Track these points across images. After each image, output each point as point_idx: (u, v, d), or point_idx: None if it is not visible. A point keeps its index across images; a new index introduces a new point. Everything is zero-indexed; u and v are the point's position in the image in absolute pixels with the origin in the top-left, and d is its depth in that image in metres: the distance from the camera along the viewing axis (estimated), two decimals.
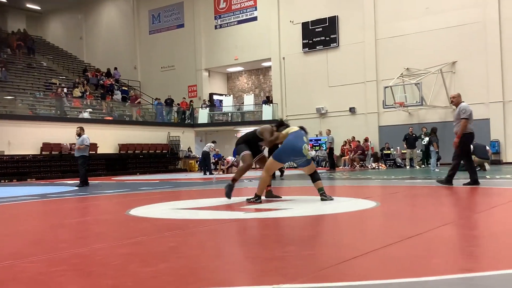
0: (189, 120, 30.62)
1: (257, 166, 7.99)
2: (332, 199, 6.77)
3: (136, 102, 29.73)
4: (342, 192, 9.12)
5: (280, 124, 7.47)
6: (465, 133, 8.84)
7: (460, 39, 23.07)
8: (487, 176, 12.23)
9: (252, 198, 7.00)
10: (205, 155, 21.46)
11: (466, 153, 9.08)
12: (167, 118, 30.37)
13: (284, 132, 7.11)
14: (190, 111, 30.76)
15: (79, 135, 14.02)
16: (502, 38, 22.27)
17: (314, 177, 6.94)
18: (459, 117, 8.86)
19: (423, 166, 20.73)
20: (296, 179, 15.20)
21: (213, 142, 22.93)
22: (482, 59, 22.63)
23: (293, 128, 7.15)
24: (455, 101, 9.13)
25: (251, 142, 7.52)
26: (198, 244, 4.04)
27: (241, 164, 7.60)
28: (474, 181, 8.89)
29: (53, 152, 22.91)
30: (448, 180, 8.99)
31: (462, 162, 9.17)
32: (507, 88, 22.20)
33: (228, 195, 7.29)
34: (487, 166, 15.86)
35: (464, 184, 8.92)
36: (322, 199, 6.74)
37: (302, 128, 7.26)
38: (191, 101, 31.71)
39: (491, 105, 22.36)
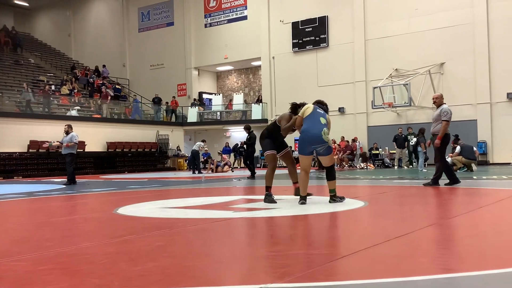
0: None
1: (283, 164, 7.30)
2: (343, 200, 6.47)
3: (108, 98, 28.79)
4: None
5: (295, 108, 6.82)
6: (437, 133, 8.96)
7: (449, 41, 23.26)
8: (474, 177, 12.34)
9: (300, 202, 6.39)
10: (195, 154, 21.40)
11: (441, 153, 9.17)
12: (157, 117, 30.27)
13: (300, 114, 6.53)
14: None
15: (67, 132, 13.91)
16: (490, 40, 22.49)
17: (331, 174, 6.45)
18: (440, 118, 8.94)
19: (411, 166, 20.88)
20: (284, 178, 15.25)
21: (203, 141, 22.89)
22: (470, 61, 22.84)
23: (308, 109, 6.47)
24: (438, 102, 9.21)
25: (275, 133, 6.95)
26: (186, 243, 4.03)
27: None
28: (453, 180, 9.01)
29: (40, 150, 22.72)
30: (435, 182, 9.08)
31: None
32: (494, 89, 22.41)
33: (272, 202, 6.55)
34: (474, 167, 16.01)
35: (445, 184, 9.05)
36: (330, 201, 6.38)
37: (319, 102, 6.66)
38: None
39: (479, 106, 22.57)
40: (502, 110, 22.31)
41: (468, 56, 22.87)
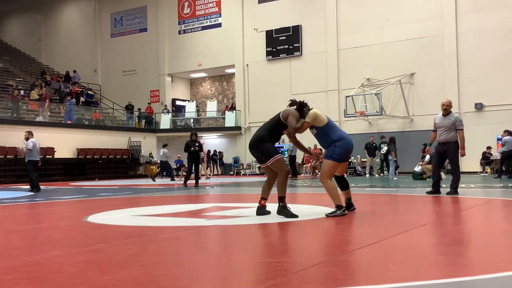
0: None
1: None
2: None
3: (46, 101, 27.00)
4: (303, 199, 9.19)
5: (300, 107, 5.91)
6: (452, 141, 9.00)
7: (419, 51, 23.77)
8: (443, 185, 12.56)
9: (334, 212, 5.82)
10: (164, 164, 21.16)
11: (443, 162, 9.32)
12: (129, 123, 29.97)
13: (310, 120, 5.84)
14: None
15: (27, 139, 13.63)
16: (459, 51, 23.07)
17: (346, 183, 6.37)
18: (453, 127, 8.95)
19: (382, 174, 21.15)
20: (256, 186, 15.25)
21: (165, 145, 21.70)
22: (440, 71, 23.38)
23: (321, 116, 5.94)
24: (449, 109, 9.23)
25: (277, 132, 5.95)
26: (158, 251, 3.99)
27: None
28: (436, 191, 9.20)
29: (8, 156, 22.20)
30: (455, 191, 9.01)
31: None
32: (462, 100, 22.97)
33: (293, 215, 5.70)
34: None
35: (427, 192, 9.26)
36: (352, 209, 6.28)
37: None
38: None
39: None
40: (470, 120, 22.81)
41: (437, 67, 23.40)
